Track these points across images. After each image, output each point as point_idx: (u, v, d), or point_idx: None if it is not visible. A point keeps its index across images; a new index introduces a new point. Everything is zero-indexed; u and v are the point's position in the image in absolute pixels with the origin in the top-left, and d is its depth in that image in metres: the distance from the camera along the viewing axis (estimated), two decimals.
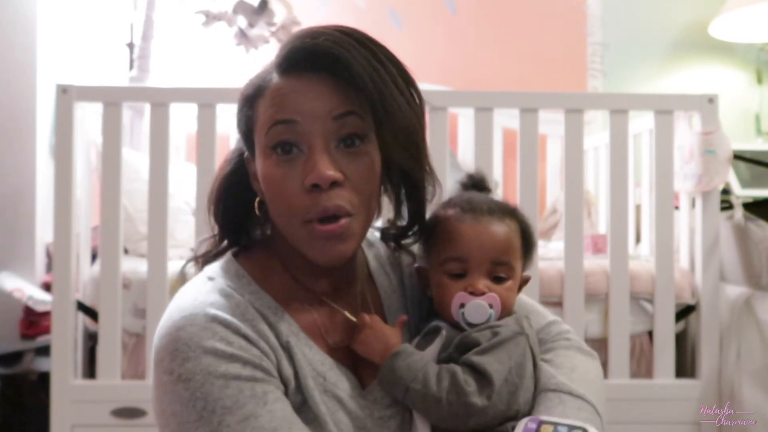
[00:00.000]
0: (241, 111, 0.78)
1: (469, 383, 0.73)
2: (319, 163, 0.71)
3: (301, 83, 0.72)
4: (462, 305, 0.78)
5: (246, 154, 0.81)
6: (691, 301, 1.70)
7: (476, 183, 0.89)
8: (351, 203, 0.73)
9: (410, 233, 0.86)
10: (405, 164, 0.76)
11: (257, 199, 0.80)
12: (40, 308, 1.98)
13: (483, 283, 0.79)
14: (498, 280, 0.80)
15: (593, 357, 0.87)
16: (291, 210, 0.73)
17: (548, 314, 0.93)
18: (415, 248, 0.90)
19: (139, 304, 1.66)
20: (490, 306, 0.78)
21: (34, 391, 1.86)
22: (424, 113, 0.79)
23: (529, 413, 0.77)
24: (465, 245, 0.80)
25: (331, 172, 0.71)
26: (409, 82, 0.76)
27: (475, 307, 0.78)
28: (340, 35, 0.71)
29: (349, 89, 0.71)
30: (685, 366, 1.75)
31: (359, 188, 0.73)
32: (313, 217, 0.72)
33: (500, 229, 0.81)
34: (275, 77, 0.74)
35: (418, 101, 0.77)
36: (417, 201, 0.82)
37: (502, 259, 0.80)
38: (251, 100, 0.76)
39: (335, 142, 0.73)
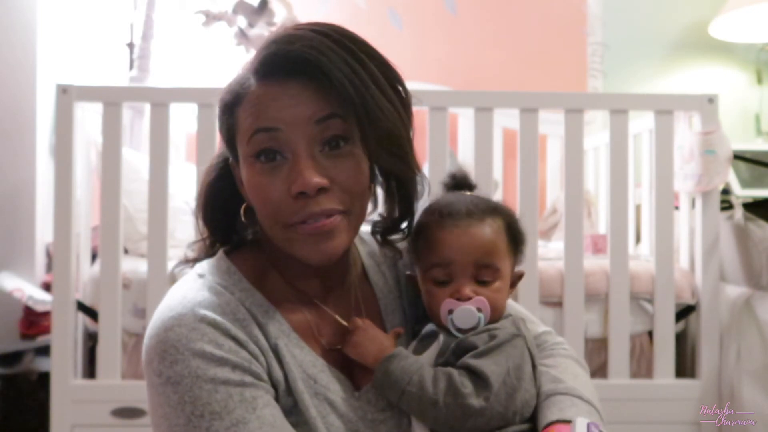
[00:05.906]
0: (221, 118, 0.76)
1: (466, 385, 0.72)
2: (304, 170, 0.69)
3: (281, 89, 0.70)
4: (450, 311, 0.77)
5: (231, 159, 0.79)
6: (691, 301, 1.70)
7: (458, 182, 0.87)
8: (342, 203, 0.72)
9: (399, 229, 0.85)
10: (391, 167, 0.75)
11: (243, 206, 0.79)
12: (40, 308, 1.98)
13: (469, 288, 0.78)
14: (484, 283, 0.79)
15: (587, 371, 0.87)
16: (277, 216, 0.72)
17: (541, 324, 0.93)
18: (402, 245, 0.88)
19: (139, 304, 1.66)
20: (479, 310, 0.77)
21: (34, 391, 1.86)
22: (410, 108, 0.77)
23: (528, 415, 0.76)
24: (446, 251, 0.79)
25: (317, 179, 0.69)
26: (391, 78, 0.74)
27: (464, 312, 0.77)
28: (316, 37, 0.69)
29: (329, 91, 0.69)
30: (685, 366, 1.75)
31: (347, 189, 0.72)
32: (300, 221, 0.71)
33: (481, 230, 0.79)
34: (253, 83, 0.72)
35: (404, 95, 0.75)
36: (406, 197, 0.80)
37: (486, 262, 0.79)
38: (230, 108, 0.74)
39: (319, 146, 0.71)
